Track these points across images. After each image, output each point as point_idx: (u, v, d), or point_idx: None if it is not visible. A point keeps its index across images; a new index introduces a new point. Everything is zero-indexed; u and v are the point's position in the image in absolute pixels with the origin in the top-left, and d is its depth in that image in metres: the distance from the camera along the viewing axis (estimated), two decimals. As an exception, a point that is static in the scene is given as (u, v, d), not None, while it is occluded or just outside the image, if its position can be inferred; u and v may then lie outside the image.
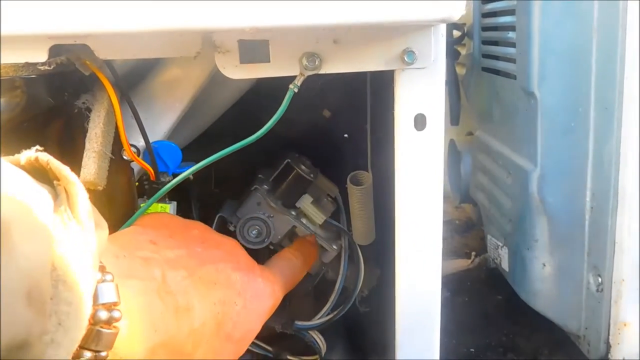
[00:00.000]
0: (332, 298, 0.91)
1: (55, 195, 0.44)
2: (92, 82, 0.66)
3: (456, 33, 1.55)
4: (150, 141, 0.72)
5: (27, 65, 0.58)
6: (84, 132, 0.64)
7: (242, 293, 0.66)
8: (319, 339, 0.92)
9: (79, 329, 0.42)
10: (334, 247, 0.90)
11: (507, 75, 1.23)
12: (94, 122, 0.64)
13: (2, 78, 0.58)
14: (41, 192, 0.42)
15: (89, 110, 0.65)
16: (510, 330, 1.59)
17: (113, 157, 0.66)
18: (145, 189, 0.75)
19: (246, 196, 0.87)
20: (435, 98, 0.67)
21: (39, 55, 0.57)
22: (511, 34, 1.18)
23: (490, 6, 1.33)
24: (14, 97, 0.59)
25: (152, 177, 0.73)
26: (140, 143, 0.71)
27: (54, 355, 0.39)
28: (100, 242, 0.48)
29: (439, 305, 0.78)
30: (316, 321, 0.91)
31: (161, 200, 0.74)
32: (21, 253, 0.37)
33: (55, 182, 0.45)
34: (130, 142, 0.70)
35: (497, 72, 1.31)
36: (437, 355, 0.80)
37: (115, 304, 0.47)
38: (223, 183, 0.98)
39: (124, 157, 0.69)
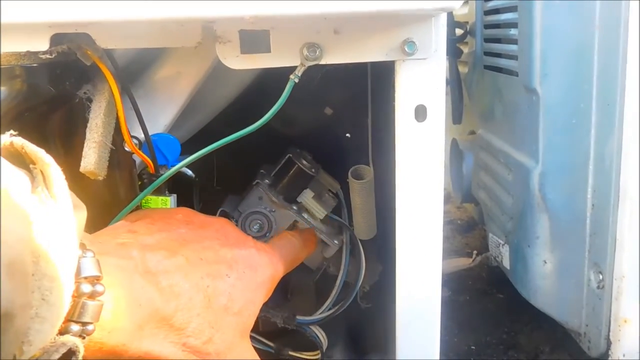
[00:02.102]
0: (334, 293, 0.91)
1: (32, 179, 0.45)
2: (93, 73, 0.66)
3: (459, 31, 1.55)
4: (151, 134, 0.72)
5: (29, 54, 0.59)
6: (85, 122, 0.65)
7: (234, 265, 0.65)
8: (320, 334, 0.92)
9: (62, 304, 0.43)
10: (336, 242, 0.89)
11: (509, 72, 1.23)
12: (95, 113, 0.64)
13: (3, 66, 0.59)
14: (18, 174, 0.43)
15: (90, 100, 0.65)
16: (511, 328, 1.59)
17: (113, 148, 0.66)
18: (145, 182, 0.75)
19: (248, 191, 0.87)
20: (436, 89, 0.67)
21: (41, 44, 0.57)
22: (513, 31, 1.19)
23: (492, 3, 1.33)
24: (15, 85, 0.60)
25: (152, 169, 0.73)
26: (142, 135, 0.71)
27: (40, 330, 0.40)
28: (80, 221, 0.48)
29: (439, 301, 0.78)
30: (317, 316, 0.91)
31: (161, 193, 0.74)
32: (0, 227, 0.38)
33: (31, 165, 0.45)
34: (132, 134, 0.70)
35: (499, 69, 1.31)
36: (437, 353, 0.80)
37: (97, 278, 0.48)
38: (225, 180, 0.98)
39: (126, 149, 0.70)
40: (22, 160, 0.46)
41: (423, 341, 0.79)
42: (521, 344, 1.54)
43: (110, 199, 0.71)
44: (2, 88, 0.59)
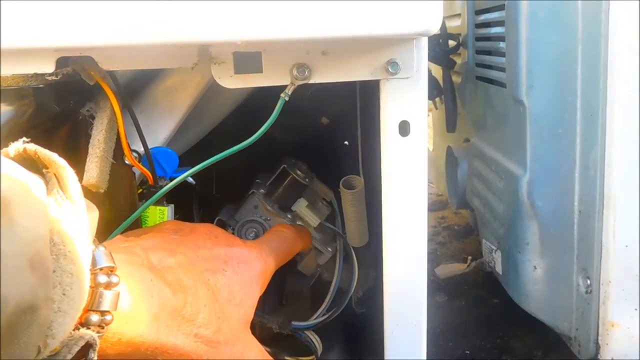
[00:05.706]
0: (328, 299, 0.93)
1: (46, 182, 0.47)
2: (96, 91, 0.69)
3: (452, 43, 1.58)
4: (150, 147, 0.75)
5: (36, 75, 0.62)
6: (88, 138, 0.68)
7: (228, 261, 0.66)
8: (315, 339, 0.93)
9: (81, 298, 0.45)
10: (329, 249, 0.92)
11: (499, 83, 1.27)
12: (97, 129, 0.67)
13: (13, 87, 0.62)
14: (34, 177, 0.45)
15: (93, 117, 0.68)
16: (505, 332, 1.61)
17: (114, 162, 0.69)
18: (144, 193, 0.78)
19: (244, 200, 0.90)
20: (418, 106, 0.70)
21: (47, 67, 0.60)
22: (502, 44, 1.22)
23: (483, 17, 1.37)
24: (23, 105, 0.63)
25: (151, 181, 0.76)
26: (141, 148, 0.74)
27: (62, 323, 0.43)
28: (92, 221, 0.51)
29: (425, 306, 0.80)
30: (312, 321, 0.93)
31: (159, 203, 0.77)
32: (20, 226, 0.40)
33: (44, 170, 0.48)
34: (132, 148, 0.73)
35: (490, 80, 1.34)
36: (424, 355, 0.82)
37: (112, 269, 0.50)
38: (225, 188, 1.00)
39: (126, 162, 0.73)
40: (35, 166, 0.48)
41: (410, 344, 0.81)
42: (515, 348, 1.56)
43: (111, 209, 0.73)
44: (11, 107, 0.63)
